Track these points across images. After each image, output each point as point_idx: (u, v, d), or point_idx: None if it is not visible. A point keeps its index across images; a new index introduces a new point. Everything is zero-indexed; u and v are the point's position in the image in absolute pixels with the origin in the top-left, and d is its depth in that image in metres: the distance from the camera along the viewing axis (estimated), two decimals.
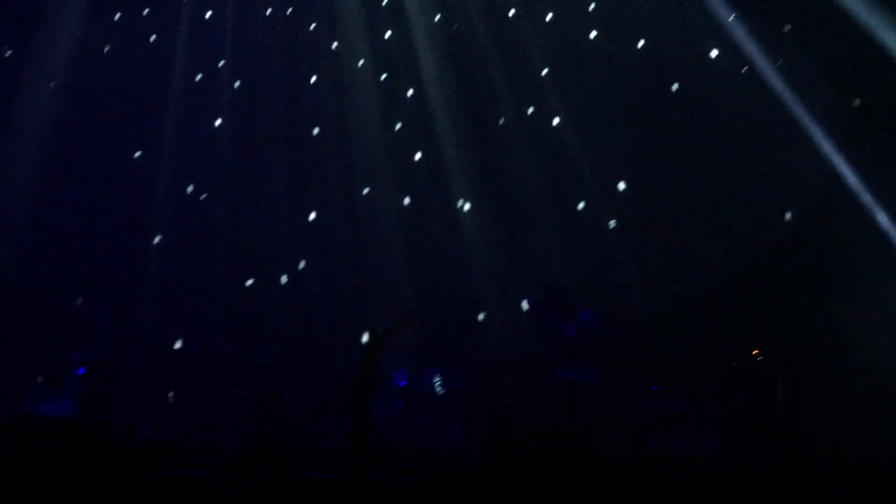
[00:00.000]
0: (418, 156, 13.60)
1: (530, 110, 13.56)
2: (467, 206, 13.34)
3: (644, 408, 10.12)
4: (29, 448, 6.32)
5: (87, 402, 10.79)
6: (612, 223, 12.84)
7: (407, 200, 13.56)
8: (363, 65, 13.82)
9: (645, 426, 9.60)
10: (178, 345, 12.91)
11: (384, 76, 13.88)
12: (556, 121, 13.38)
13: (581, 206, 13.03)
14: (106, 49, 13.40)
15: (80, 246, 12.50)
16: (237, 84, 13.76)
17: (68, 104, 12.85)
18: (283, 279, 13.34)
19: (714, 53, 12.76)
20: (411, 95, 13.75)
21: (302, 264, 13.43)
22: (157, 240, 13.16)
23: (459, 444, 9.92)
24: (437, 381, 11.31)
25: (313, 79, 13.98)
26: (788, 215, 12.21)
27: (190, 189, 13.52)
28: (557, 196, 12.94)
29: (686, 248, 12.19)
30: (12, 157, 12.42)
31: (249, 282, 13.29)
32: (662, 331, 11.52)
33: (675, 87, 12.90)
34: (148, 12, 13.75)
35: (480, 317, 12.80)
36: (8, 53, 12.52)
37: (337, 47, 13.94)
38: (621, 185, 13.01)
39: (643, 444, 9.18)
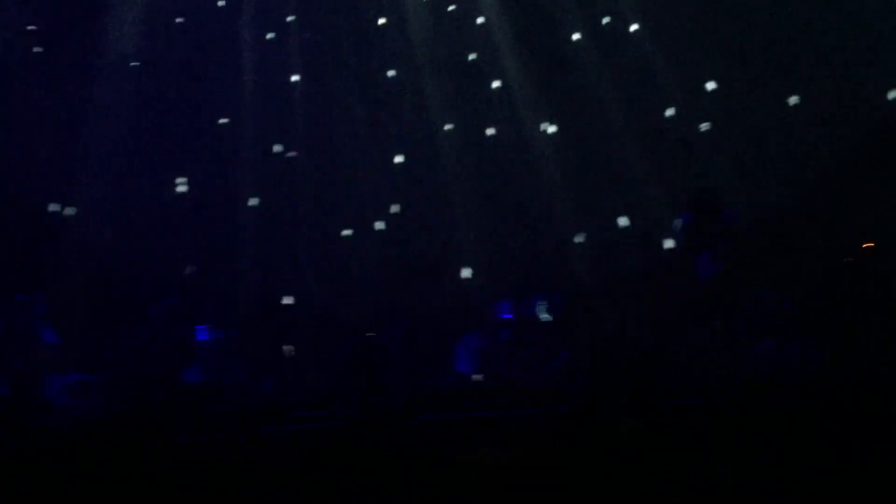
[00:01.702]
0: (495, 84, 13.36)
1: (605, 20, 13.07)
2: (552, 129, 13.08)
3: (755, 313, 9.83)
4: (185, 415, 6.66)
5: (212, 366, 11.25)
6: (704, 126, 12.36)
7: (489, 131, 13.40)
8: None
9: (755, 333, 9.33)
10: (288, 300, 13.30)
11: (451, 7, 13.62)
12: (633, 27, 12.87)
13: (669, 113, 12.57)
14: (178, 20, 13.54)
15: (178, 218, 12.90)
16: (307, 37, 13.76)
17: (147, 79, 13.11)
18: (379, 225, 13.49)
19: None
20: (481, 23, 13.45)
21: (394, 208, 13.52)
22: (253, 202, 13.46)
23: (568, 371, 9.88)
24: (542, 307, 11.27)
25: (381, 20, 13.84)
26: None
27: (277, 149, 13.73)
28: (642, 106, 12.50)
29: (785, 144, 11.65)
30: (101, 134, 12.82)
31: (346, 232, 13.50)
32: (768, 233, 11.11)
33: None
34: None
35: (579, 239, 12.64)
36: (81, 36, 12.81)
37: None
38: (710, 86, 12.47)
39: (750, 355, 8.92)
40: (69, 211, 12.83)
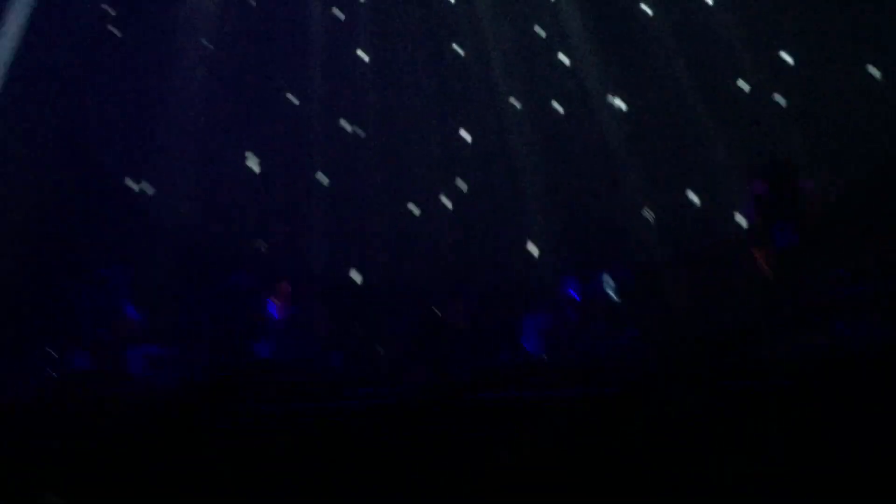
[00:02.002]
0: (564, 59, 13.19)
1: None
2: (620, 104, 12.87)
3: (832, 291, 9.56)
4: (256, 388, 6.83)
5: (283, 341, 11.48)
6: (780, 100, 11.99)
7: (556, 106, 13.26)
8: None
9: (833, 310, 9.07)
10: (356, 277, 13.48)
11: None
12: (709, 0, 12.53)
13: (746, 88, 12.21)
14: (251, 2, 13.72)
15: (250, 194, 13.16)
16: (376, 15, 13.79)
17: (222, 60, 13.35)
18: (446, 202, 13.52)
19: None
20: None
21: (462, 185, 13.53)
22: (321, 179, 13.64)
23: (636, 347, 9.79)
24: (608, 284, 11.17)
25: None
26: None
27: (345, 125, 13.85)
28: (714, 79, 12.17)
29: (863, 118, 11.22)
30: (179, 114, 13.12)
31: (413, 208, 13.57)
32: (844, 209, 10.75)
33: None
34: None
35: (647, 215, 12.45)
36: (158, 20, 13.09)
37: None
38: (787, 58, 12.07)
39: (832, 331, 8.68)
40: (147, 188, 13.24)
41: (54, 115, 12.56)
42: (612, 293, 10.97)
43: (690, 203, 12.29)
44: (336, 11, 13.81)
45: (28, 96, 12.19)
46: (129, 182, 13.19)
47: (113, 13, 13.12)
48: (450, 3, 13.70)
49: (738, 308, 11.77)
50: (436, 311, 11.16)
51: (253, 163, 13.56)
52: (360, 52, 13.71)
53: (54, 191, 12.38)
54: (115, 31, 13.15)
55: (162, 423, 5.14)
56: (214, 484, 4.61)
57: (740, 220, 11.97)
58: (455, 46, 13.70)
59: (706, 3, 12.50)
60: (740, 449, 4.34)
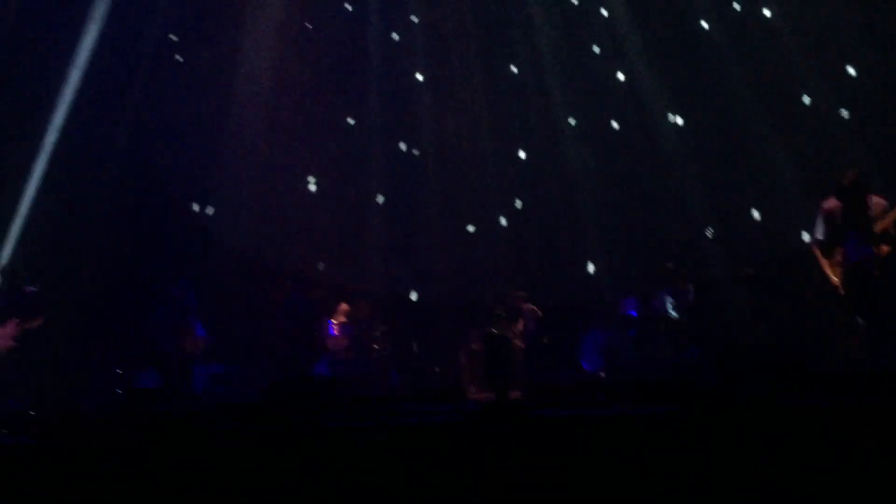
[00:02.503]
0: (621, 77, 13.14)
1: (736, 6, 12.62)
2: (679, 121, 12.75)
3: None
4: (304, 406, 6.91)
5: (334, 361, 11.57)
6: (844, 113, 11.71)
7: (614, 125, 13.19)
8: None
9: None
10: (413, 296, 13.55)
11: (575, 1, 13.49)
12: (767, 13, 12.35)
13: (807, 101, 11.98)
14: (308, 26, 13.96)
15: (309, 212, 13.34)
16: (431, 37, 13.93)
17: (280, 83, 13.61)
18: (503, 221, 13.53)
19: None
20: (606, 16, 13.26)
21: (518, 204, 13.53)
22: (379, 199, 13.78)
23: (698, 366, 9.61)
24: (670, 304, 11.01)
25: (503, 16, 13.85)
26: None
27: (402, 147, 13.98)
28: (775, 94, 11.95)
29: None
30: (240, 136, 13.41)
31: (471, 228, 13.61)
32: None
33: None
34: None
35: (708, 233, 12.27)
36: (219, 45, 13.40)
37: None
38: (851, 70, 11.81)
39: None
40: (209, 210, 13.55)
41: (121, 140, 12.93)
42: (672, 311, 10.82)
43: (753, 219, 12.09)
44: (393, 34, 13.99)
45: (96, 121, 12.58)
46: (192, 203, 13.52)
47: (176, 40, 13.50)
48: (506, 23, 13.78)
49: (803, 324, 11.51)
50: (494, 330, 11.14)
51: (312, 184, 13.79)
52: (417, 74, 13.86)
53: (123, 211, 12.73)
54: (179, 59, 13.51)
55: (224, 438, 5.23)
56: (274, 497, 4.67)
57: (805, 235, 11.72)
58: (512, 66, 13.76)
59: (765, 17, 12.33)
60: (802, 467, 4.24)
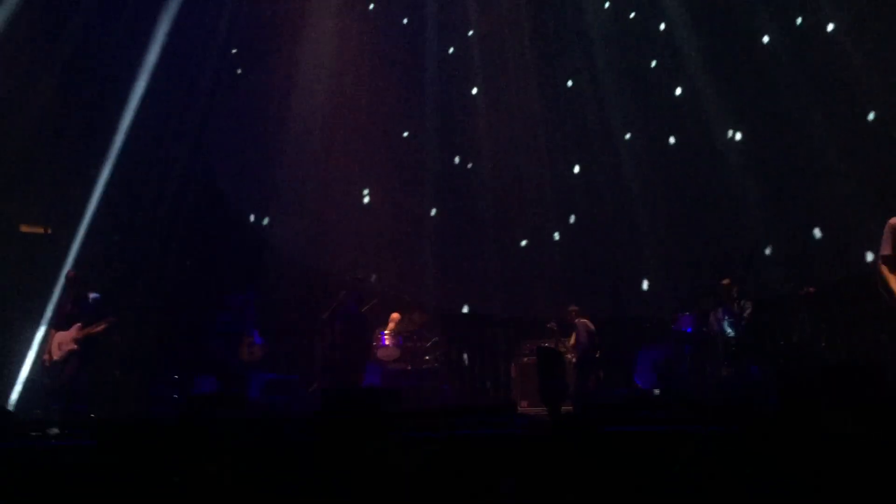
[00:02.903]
0: (678, 91, 13.00)
1: (798, 21, 12.40)
2: (738, 136, 12.56)
3: None
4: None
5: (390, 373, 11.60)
6: None
7: (672, 140, 13.05)
8: (608, 7, 13.46)
9: None
10: (465, 309, 13.56)
11: (632, 14, 13.42)
12: (830, 27, 12.10)
13: (871, 116, 11.68)
14: (365, 39, 14.12)
15: (363, 224, 13.44)
16: (487, 51, 13.98)
17: (339, 95, 13.78)
18: (556, 236, 13.47)
19: None
20: (663, 29, 13.15)
21: (572, 218, 13.46)
22: (433, 212, 13.84)
23: (756, 385, 9.43)
24: (727, 321, 10.81)
25: (560, 30, 13.84)
26: None
27: (457, 160, 14.03)
28: (837, 108, 11.67)
29: None
30: (299, 148, 13.61)
31: (523, 242, 13.57)
32: None
33: None
34: None
35: (767, 251, 12.03)
36: (277, 58, 13.63)
37: None
38: None
39: None
40: (266, 221, 13.78)
41: (182, 151, 13.22)
42: (729, 329, 10.62)
43: (814, 237, 11.83)
44: (449, 48, 14.08)
45: (159, 132, 12.89)
46: (251, 215, 13.76)
47: (236, 52, 13.78)
48: (562, 37, 13.76)
49: (864, 343, 11.21)
50: (547, 343, 11.08)
51: (367, 196, 13.92)
52: (472, 88, 13.91)
53: (183, 221, 13.00)
54: (240, 72, 13.78)
55: (278, 446, 5.28)
56: None
57: (869, 255, 11.43)
58: (568, 81, 13.73)
59: (827, 31, 12.08)
60: (866, 489, 4.12)
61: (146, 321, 11.85)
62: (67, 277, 9.91)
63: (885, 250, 7.03)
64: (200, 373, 10.72)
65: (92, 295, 9.59)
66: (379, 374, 11.60)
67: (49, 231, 12.24)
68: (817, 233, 11.85)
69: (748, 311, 10.46)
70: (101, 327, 9.43)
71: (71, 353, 9.36)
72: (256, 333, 11.00)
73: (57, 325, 9.69)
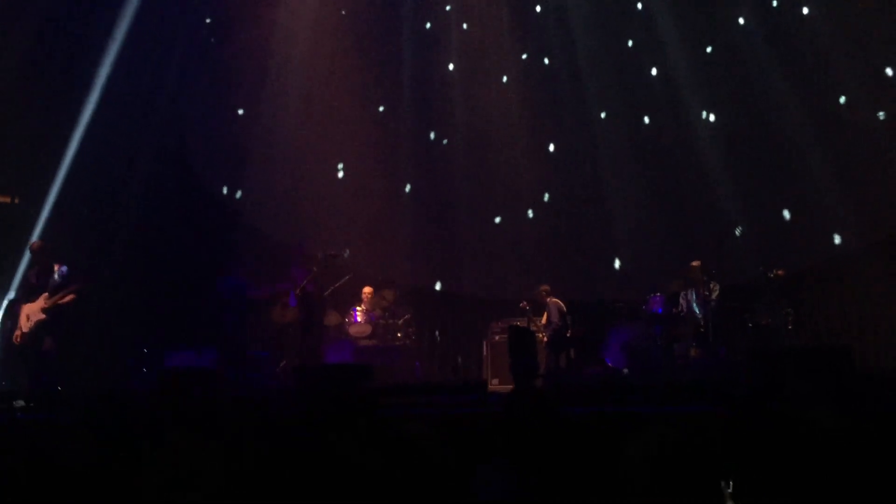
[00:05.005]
0: (654, 71, 13.02)
1: (774, 3, 12.46)
2: (711, 118, 12.62)
3: None
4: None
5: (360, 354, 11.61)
6: (881, 115, 11.52)
7: (646, 120, 13.09)
8: None
9: None
10: (437, 286, 13.56)
11: None
12: (805, 10, 12.17)
13: (842, 100, 11.80)
14: (342, 13, 13.94)
15: (335, 200, 13.35)
16: (465, 26, 13.88)
17: (315, 68, 13.62)
18: (530, 213, 13.48)
19: None
20: (640, 9, 13.14)
21: (546, 197, 13.47)
22: (407, 188, 13.78)
23: (725, 367, 9.54)
24: (696, 303, 10.93)
25: (538, 8, 13.78)
26: None
27: (432, 136, 13.96)
28: (810, 92, 11.77)
29: None
30: (273, 119, 13.47)
31: (497, 219, 13.57)
32: None
33: None
34: None
35: (738, 231, 12.14)
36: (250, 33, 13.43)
37: None
38: (888, 72, 11.62)
39: None
40: (238, 194, 13.65)
41: (154, 122, 13.04)
42: (697, 309, 10.74)
43: (784, 219, 11.96)
44: (426, 23, 13.96)
45: (130, 103, 12.69)
46: (224, 188, 13.63)
47: (210, 22, 13.57)
48: (539, 14, 13.69)
49: (831, 326, 11.38)
50: (518, 322, 11.12)
51: (341, 171, 13.83)
52: (449, 64, 13.82)
53: (153, 193, 12.85)
54: (213, 41, 13.57)
55: (252, 425, 5.26)
56: (294, 486, 4.68)
57: (837, 237, 11.58)
58: (544, 58, 13.68)
59: (802, 14, 12.15)
60: (830, 474, 4.19)
61: (117, 293, 11.73)
62: (31, 249, 9.78)
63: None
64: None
65: (60, 268, 9.48)
66: (350, 351, 11.60)
67: (16, 201, 12.05)
68: (787, 214, 11.99)
69: (716, 293, 10.58)
70: (68, 297, 9.33)
71: (39, 323, 9.27)
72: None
73: (24, 297, 9.57)
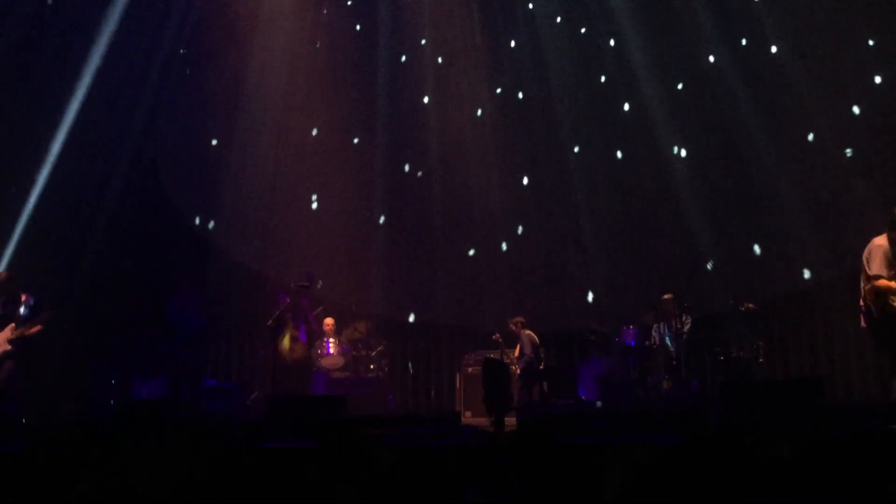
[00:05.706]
0: (626, 107, 13.18)
1: (743, 42, 12.69)
2: (683, 153, 12.77)
3: None
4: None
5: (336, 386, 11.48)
6: (849, 152, 11.72)
7: (619, 154, 13.22)
8: (560, 21, 13.60)
9: None
10: (411, 318, 13.49)
11: (583, 30, 13.57)
12: (773, 48, 12.41)
13: (811, 137, 12.00)
14: (317, 45, 14.01)
15: (308, 230, 13.30)
16: (440, 60, 13.99)
17: (290, 99, 13.64)
18: (504, 246, 13.50)
19: None
20: (613, 46, 13.32)
21: (520, 229, 13.51)
22: (381, 220, 13.76)
23: (697, 399, 9.57)
24: (668, 336, 10.97)
25: (512, 43, 13.93)
26: None
27: (407, 168, 13.98)
28: (782, 129, 11.97)
29: None
30: (247, 149, 13.43)
31: (471, 252, 13.57)
32: None
33: None
34: (351, 3, 14.32)
35: (709, 266, 12.24)
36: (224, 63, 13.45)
37: (532, 7, 13.80)
38: (855, 110, 11.84)
39: None
40: (211, 224, 13.56)
41: (127, 151, 12.96)
42: (669, 342, 10.78)
43: (755, 254, 12.08)
44: (402, 56, 14.04)
45: (103, 131, 12.61)
46: (196, 217, 13.53)
47: (185, 53, 13.56)
48: (514, 49, 13.83)
49: (801, 359, 11.47)
50: (491, 354, 11.08)
51: (315, 202, 13.79)
52: (424, 97, 13.89)
53: (125, 221, 12.74)
54: (187, 73, 13.57)
55: (221, 449, 5.17)
56: None
57: (806, 272, 11.70)
58: (518, 93, 13.80)
59: (771, 53, 12.38)
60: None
61: (85, 323, 11.55)
62: None
63: (876, 270, 6.87)
64: (149, 376, 10.50)
65: (28, 298, 9.36)
66: (323, 383, 11.49)
67: None
68: (757, 249, 12.12)
69: (688, 326, 10.64)
70: (36, 328, 9.19)
71: (5, 353, 9.11)
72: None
73: None
